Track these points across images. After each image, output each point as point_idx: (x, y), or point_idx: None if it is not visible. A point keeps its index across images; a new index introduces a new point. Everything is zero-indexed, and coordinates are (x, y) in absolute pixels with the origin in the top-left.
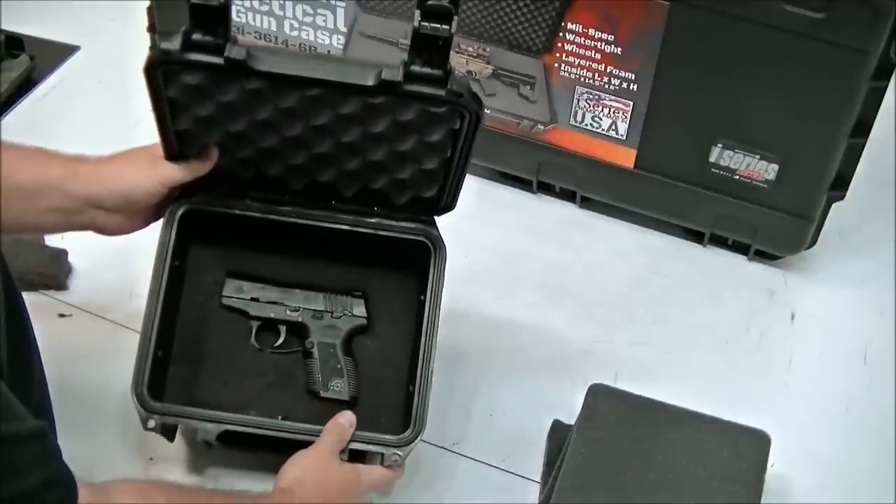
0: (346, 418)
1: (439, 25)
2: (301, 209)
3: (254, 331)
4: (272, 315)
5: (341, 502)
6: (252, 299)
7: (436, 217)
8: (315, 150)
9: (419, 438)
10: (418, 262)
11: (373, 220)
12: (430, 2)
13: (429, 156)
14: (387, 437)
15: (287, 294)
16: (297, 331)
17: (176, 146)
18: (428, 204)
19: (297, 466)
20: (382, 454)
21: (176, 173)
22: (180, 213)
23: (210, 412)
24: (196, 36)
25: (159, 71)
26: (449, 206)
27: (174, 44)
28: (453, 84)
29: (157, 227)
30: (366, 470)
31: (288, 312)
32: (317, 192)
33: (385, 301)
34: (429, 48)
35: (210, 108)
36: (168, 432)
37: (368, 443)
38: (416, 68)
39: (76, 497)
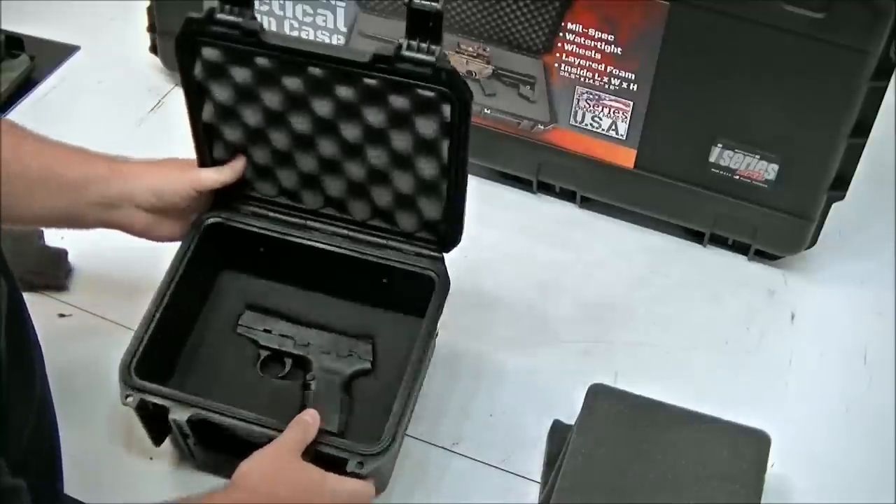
0: (311, 415)
1: (428, 1)
2: (318, 233)
3: (260, 359)
4: (280, 347)
5: (296, 502)
6: (265, 331)
7: (445, 253)
8: (322, 151)
9: (387, 453)
10: (427, 303)
11: (384, 252)
12: None
13: (425, 158)
14: (353, 443)
15: (299, 330)
16: (302, 364)
17: (204, 141)
18: (435, 230)
19: (251, 460)
20: (346, 460)
21: (206, 177)
22: (207, 222)
23: (185, 395)
24: (220, 14)
25: (188, 43)
26: (455, 236)
27: (200, 15)
28: (442, 64)
29: None
30: (334, 477)
31: (296, 347)
32: (331, 216)
33: (394, 344)
34: (422, 28)
35: (227, 92)
36: (153, 430)
37: (333, 446)
38: (408, 53)
39: None
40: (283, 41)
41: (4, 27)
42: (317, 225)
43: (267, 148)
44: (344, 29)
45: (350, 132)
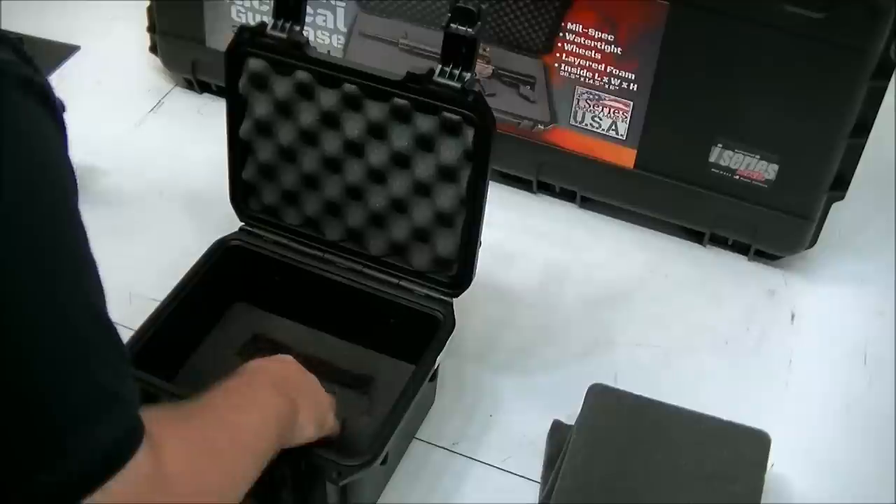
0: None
1: (465, 28)
2: (335, 266)
3: None
4: None
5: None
6: None
7: (455, 296)
8: (348, 176)
9: (364, 470)
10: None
11: (396, 290)
12: (459, 3)
13: (445, 187)
14: (335, 455)
15: None
16: None
17: (238, 158)
18: (447, 270)
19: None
20: (323, 469)
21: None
22: (229, 244)
23: (175, 387)
24: (271, 29)
25: (238, 53)
26: (466, 277)
27: (252, 25)
28: (469, 86)
29: (158, 227)
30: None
31: None
32: (348, 249)
33: (392, 386)
34: (455, 54)
35: (266, 107)
36: None
37: (316, 454)
38: (440, 78)
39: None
40: (322, 56)
41: (4, 27)
42: (334, 258)
43: (296, 171)
44: (344, 29)
45: (376, 156)
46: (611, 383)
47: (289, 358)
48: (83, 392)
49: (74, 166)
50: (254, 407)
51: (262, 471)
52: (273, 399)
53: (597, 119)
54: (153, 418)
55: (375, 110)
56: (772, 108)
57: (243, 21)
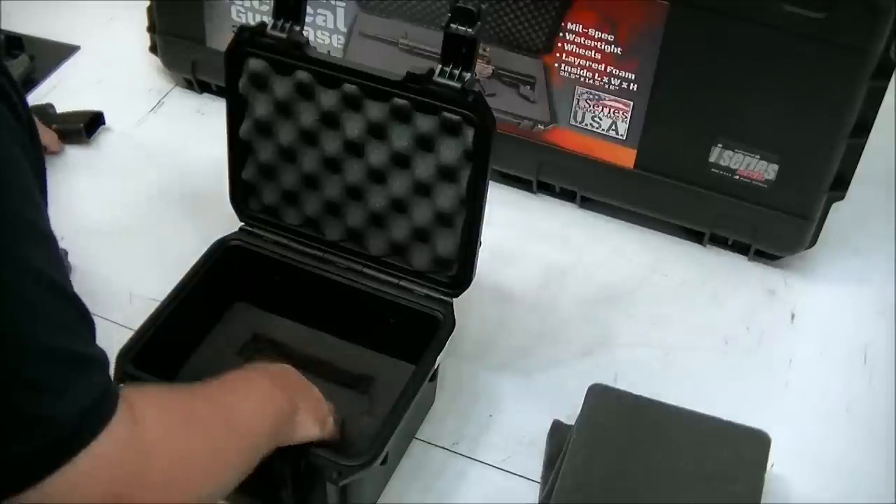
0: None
1: (465, 28)
2: (334, 266)
3: None
4: None
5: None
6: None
7: (455, 296)
8: (347, 176)
9: (364, 470)
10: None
11: (396, 290)
12: (459, 3)
13: (445, 187)
14: (335, 455)
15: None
16: None
17: (238, 158)
18: (447, 270)
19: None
20: (323, 469)
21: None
22: (229, 244)
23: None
24: (271, 29)
25: (239, 53)
26: (467, 277)
27: (252, 25)
28: (469, 86)
29: (158, 227)
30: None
31: None
32: (348, 249)
33: (393, 385)
34: (455, 54)
35: (266, 107)
36: None
37: (316, 454)
38: (440, 78)
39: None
40: (322, 56)
41: (4, 27)
42: (334, 258)
43: (296, 171)
44: (344, 29)
45: (376, 156)
46: (611, 383)
47: (289, 366)
48: (41, 358)
49: (73, 162)
50: (252, 395)
51: (256, 463)
52: (272, 392)
53: (597, 119)
54: (136, 391)
55: (375, 110)
56: (772, 108)
57: (243, 21)
